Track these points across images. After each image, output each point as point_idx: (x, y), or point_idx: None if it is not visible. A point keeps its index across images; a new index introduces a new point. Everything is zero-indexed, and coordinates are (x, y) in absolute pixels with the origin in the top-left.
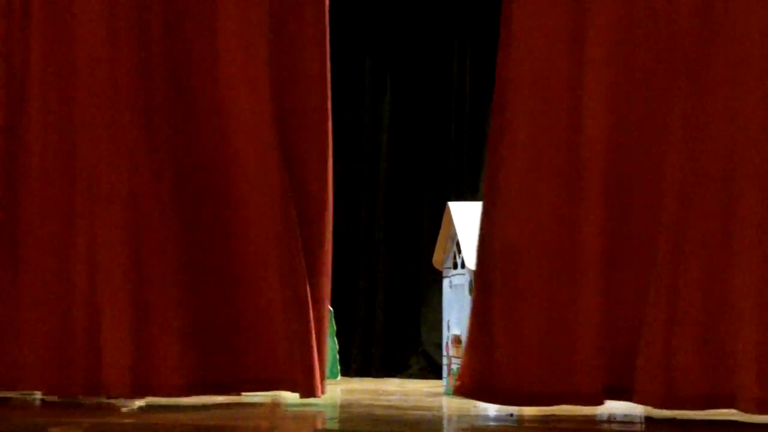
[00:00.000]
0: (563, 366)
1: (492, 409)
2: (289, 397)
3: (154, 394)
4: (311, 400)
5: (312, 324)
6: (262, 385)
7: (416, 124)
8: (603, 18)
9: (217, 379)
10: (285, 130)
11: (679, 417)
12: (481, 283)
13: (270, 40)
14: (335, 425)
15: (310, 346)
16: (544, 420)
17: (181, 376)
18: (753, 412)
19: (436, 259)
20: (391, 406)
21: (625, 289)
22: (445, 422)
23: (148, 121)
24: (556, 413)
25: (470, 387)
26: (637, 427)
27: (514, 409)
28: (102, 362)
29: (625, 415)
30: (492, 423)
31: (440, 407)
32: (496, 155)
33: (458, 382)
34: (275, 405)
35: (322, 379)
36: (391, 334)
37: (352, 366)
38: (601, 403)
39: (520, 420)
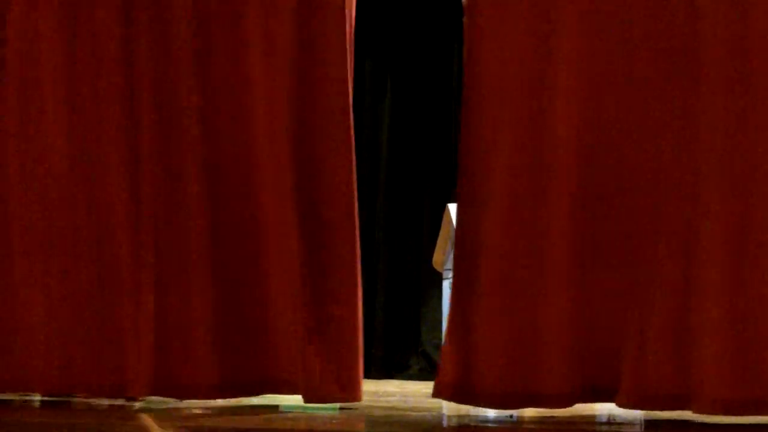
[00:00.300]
0: (535, 367)
1: (492, 410)
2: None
3: (179, 396)
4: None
5: (314, 328)
6: (270, 388)
7: (416, 124)
8: (571, 18)
9: (234, 381)
10: (307, 134)
11: (678, 418)
12: (458, 286)
13: (293, 48)
14: (335, 426)
15: (309, 350)
16: (544, 421)
17: (205, 378)
18: (717, 413)
19: (436, 260)
20: (390, 407)
21: (600, 290)
22: (444, 423)
23: (170, 127)
24: (556, 414)
25: (448, 388)
26: (637, 428)
27: (513, 410)
28: (126, 364)
29: (625, 417)
30: (492, 424)
31: (440, 408)
32: (466, 157)
33: (437, 385)
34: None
35: (354, 383)
36: (391, 334)
37: None
38: (572, 404)
39: (520, 421)
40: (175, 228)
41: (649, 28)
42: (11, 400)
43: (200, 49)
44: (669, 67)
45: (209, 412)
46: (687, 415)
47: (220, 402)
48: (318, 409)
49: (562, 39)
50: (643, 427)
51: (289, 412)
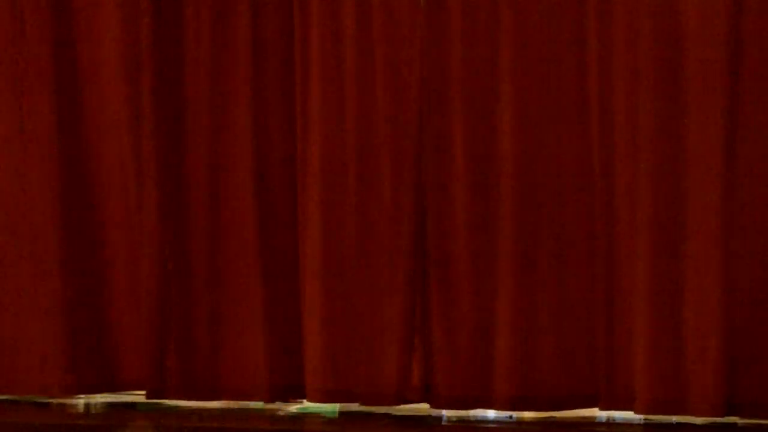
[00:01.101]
0: (488, 370)
1: (491, 411)
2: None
3: (229, 398)
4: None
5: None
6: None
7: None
8: (511, 25)
9: (272, 384)
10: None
11: (678, 421)
12: (422, 290)
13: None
14: (336, 427)
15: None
16: (543, 422)
17: (257, 380)
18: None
19: None
20: (391, 407)
21: (547, 293)
22: (444, 423)
23: (220, 125)
24: (556, 415)
25: (416, 390)
26: (635, 429)
27: (514, 411)
28: (164, 366)
29: (624, 418)
30: (491, 424)
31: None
32: (427, 157)
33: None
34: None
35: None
36: None
37: None
38: (526, 409)
39: (520, 421)
40: (224, 226)
41: (586, 31)
42: (12, 401)
43: (255, 44)
44: (605, 69)
45: (211, 413)
46: (688, 417)
47: (216, 404)
48: (318, 409)
49: (506, 50)
50: (642, 428)
51: (289, 412)
